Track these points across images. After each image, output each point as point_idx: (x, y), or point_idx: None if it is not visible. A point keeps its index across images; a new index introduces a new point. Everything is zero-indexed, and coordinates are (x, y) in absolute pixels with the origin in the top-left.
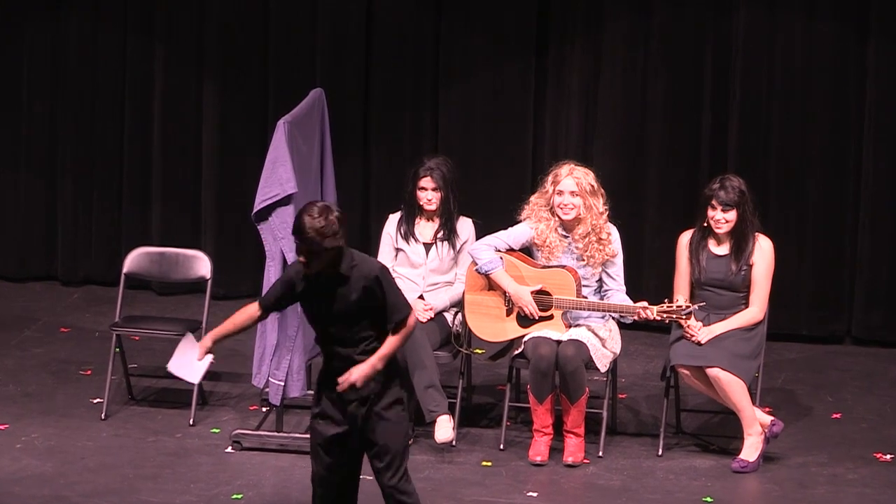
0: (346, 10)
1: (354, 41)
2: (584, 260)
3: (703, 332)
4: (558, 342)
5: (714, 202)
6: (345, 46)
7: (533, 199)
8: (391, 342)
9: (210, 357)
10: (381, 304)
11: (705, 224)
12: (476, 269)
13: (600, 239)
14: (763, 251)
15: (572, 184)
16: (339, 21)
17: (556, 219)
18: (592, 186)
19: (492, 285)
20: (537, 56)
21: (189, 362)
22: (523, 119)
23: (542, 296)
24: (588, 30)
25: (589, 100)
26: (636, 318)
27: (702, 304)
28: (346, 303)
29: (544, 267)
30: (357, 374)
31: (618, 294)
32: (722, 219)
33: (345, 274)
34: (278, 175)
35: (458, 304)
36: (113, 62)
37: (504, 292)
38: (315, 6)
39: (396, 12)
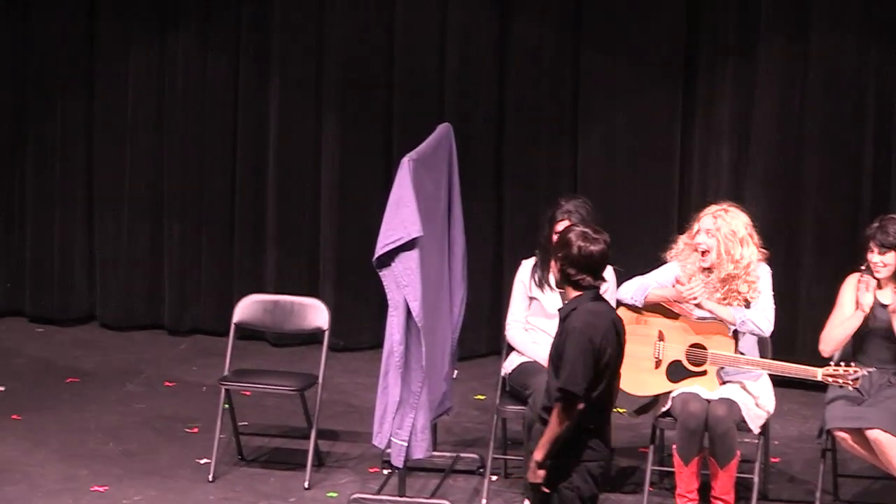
0: (477, 39)
1: (486, 71)
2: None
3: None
4: (708, 400)
5: (872, 244)
6: (476, 77)
7: (682, 238)
8: (547, 430)
9: None
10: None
11: (863, 267)
12: (628, 300)
13: (739, 291)
14: None
15: (709, 223)
16: (469, 50)
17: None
18: (734, 232)
19: (640, 337)
20: (685, 86)
21: None
22: (669, 155)
23: (696, 349)
24: (740, 57)
25: (741, 133)
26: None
27: (871, 370)
28: (554, 346)
29: (700, 319)
30: (529, 473)
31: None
32: (880, 262)
33: (561, 315)
34: (402, 217)
35: None
36: (224, 93)
37: (657, 340)
38: (444, 34)
39: (532, 40)
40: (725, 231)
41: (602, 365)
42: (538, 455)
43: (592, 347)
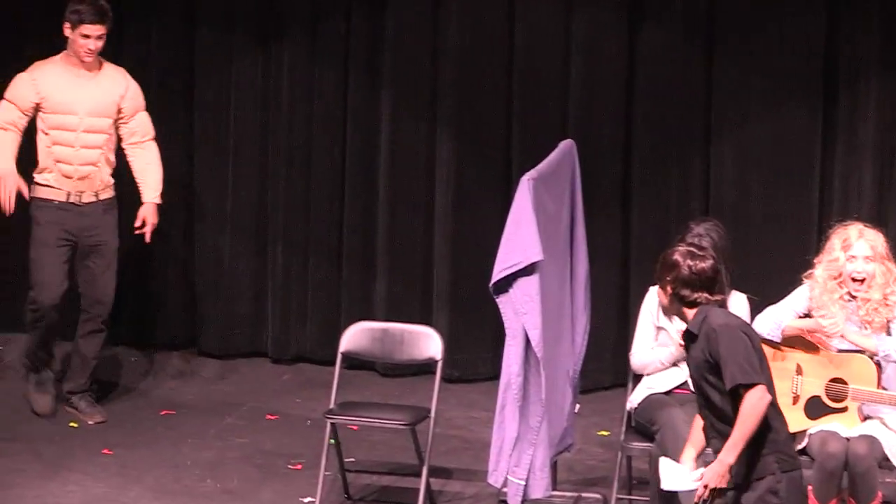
0: (603, 50)
1: (612, 84)
2: (865, 327)
3: None
4: (847, 438)
5: None
6: (600, 90)
7: (819, 271)
8: (736, 429)
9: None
10: (719, 365)
11: None
12: (765, 336)
13: (883, 315)
14: None
15: (865, 248)
16: (594, 62)
17: (843, 287)
18: (888, 256)
19: (778, 370)
20: (825, 101)
21: (679, 474)
22: (808, 174)
23: (837, 384)
24: (883, 70)
25: (885, 152)
26: None
27: None
28: (695, 363)
29: (840, 351)
30: (708, 475)
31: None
32: None
33: (694, 332)
34: (521, 240)
35: None
36: (332, 107)
37: (795, 375)
38: (567, 44)
39: (662, 52)
40: (881, 251)
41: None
42: (730, 457)
43: (745, 333)
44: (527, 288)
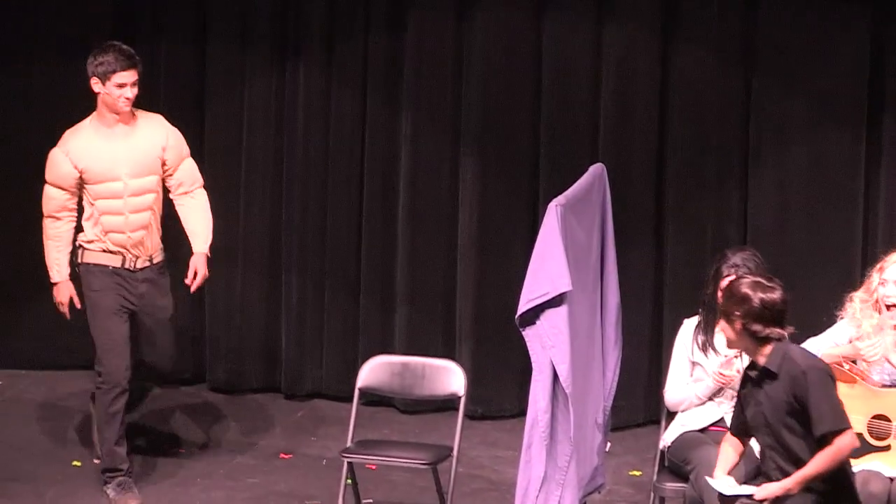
0: (635, 68)
1: (644, 105)
2: None
3: None
4: (891, 479)
5: None
6: (632, 111)
7: (857, 295)
8: (813, 463)
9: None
10: (807, 409)
11: None
12: None
13: None
14: None
15: None
16: (626, 82)
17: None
18: None
19: None
20: (869, 124)
21: (728, 483)
22: (852, 202)
23: (879, 421)
24: None
25: None
26: None
27: None
28: (773, 403)
29: (884, 386)
30: (764, 490)
31: None
32: None
33: (773, 370)
34: (549, 269)
35: None
36: (350, 129)
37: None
38: (598, 64)
39: (697, 71)
40: None
41: None
42: (795, 487)
43: (832, 378)
44: (555, 320)
